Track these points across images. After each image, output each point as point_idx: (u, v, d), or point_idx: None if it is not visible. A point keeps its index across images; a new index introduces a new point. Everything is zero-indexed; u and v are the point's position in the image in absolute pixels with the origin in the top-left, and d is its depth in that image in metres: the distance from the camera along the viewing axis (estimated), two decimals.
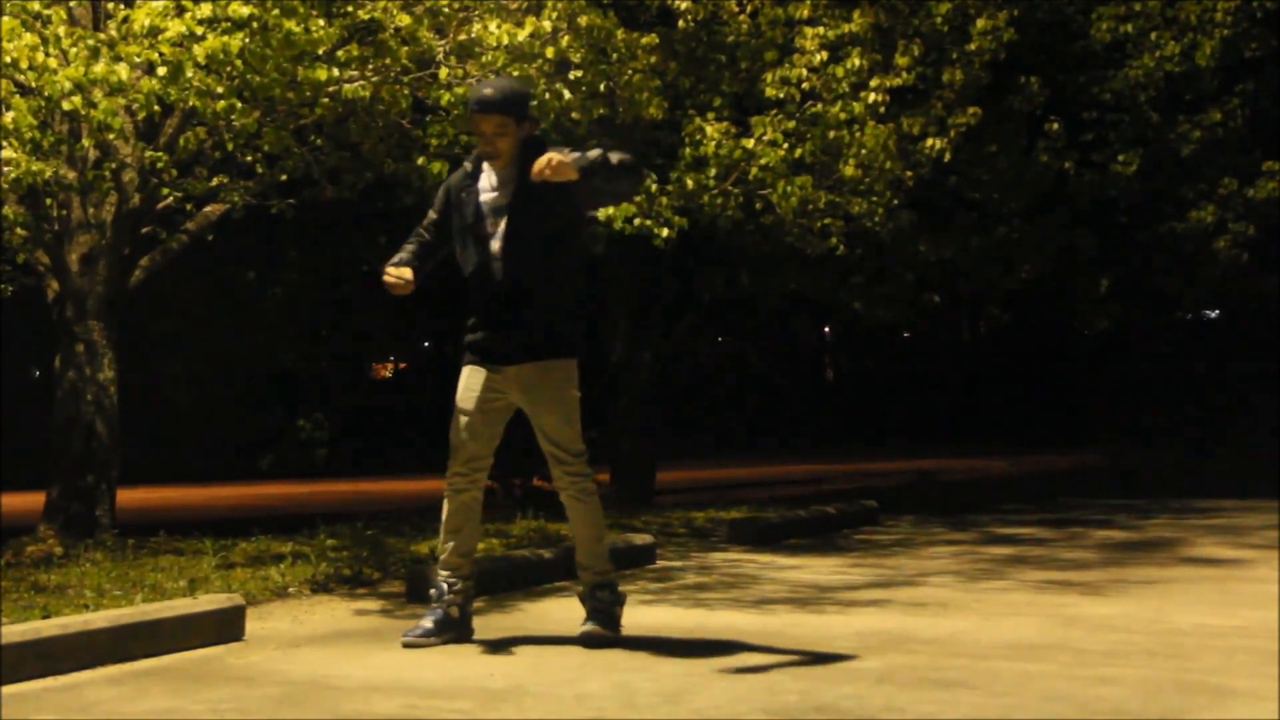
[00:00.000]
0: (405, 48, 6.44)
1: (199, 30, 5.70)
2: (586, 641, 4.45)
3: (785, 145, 7.77)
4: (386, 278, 4.57)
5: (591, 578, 4.58)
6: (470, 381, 4.57)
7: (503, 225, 4.50)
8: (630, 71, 7.06)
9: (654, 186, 7.67)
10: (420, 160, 7.20)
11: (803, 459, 23.28)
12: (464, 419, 4.56)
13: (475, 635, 4.59)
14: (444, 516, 4.60)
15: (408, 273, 4.57)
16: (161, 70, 5.70)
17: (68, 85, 5.44)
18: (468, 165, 4.68)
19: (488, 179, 4.59)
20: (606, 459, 11.59)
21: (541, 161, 4.25)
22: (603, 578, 4.58)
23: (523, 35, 6.36)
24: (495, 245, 4.49)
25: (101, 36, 5.68)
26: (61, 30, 5.63)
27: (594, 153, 4.36)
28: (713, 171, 7.77)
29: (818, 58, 7.97)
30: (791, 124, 7.88)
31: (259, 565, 6.09)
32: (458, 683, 3.85)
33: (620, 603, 4.61)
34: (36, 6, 5.69)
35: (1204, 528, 9.06)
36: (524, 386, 4.52)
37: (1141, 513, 10.47)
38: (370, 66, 6.51)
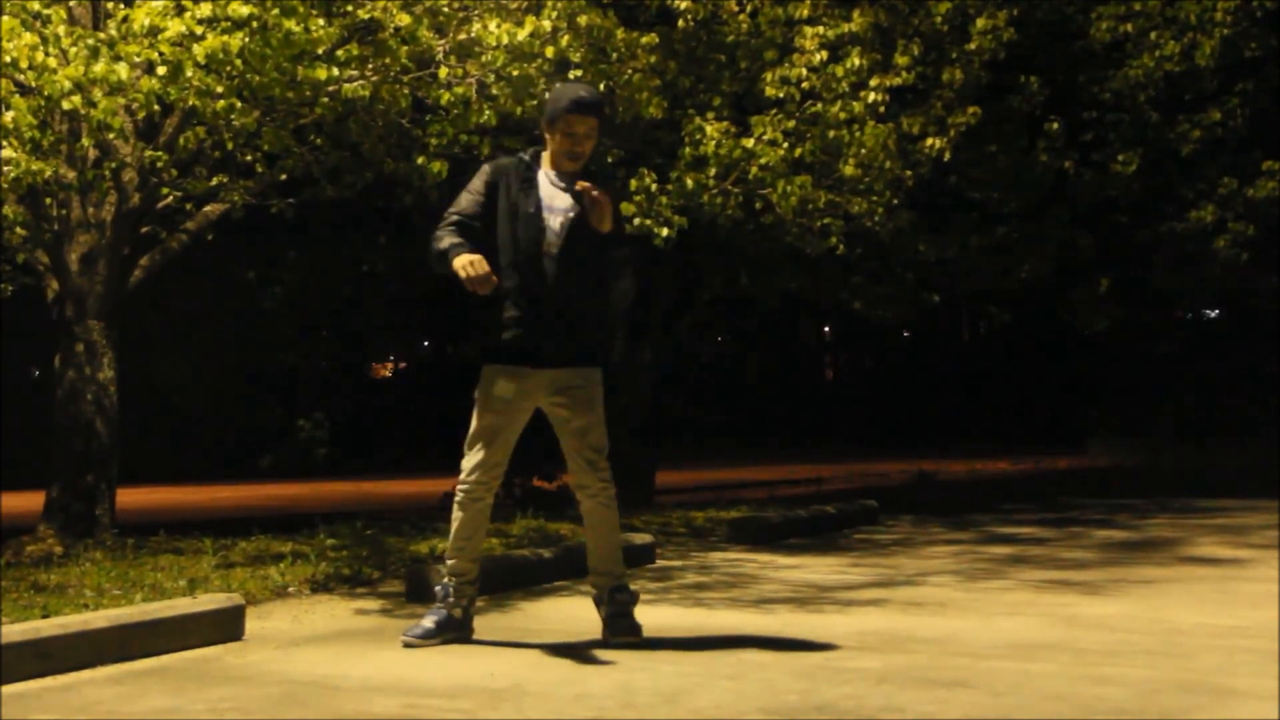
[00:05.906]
0: (405, 47, 6.44)
1: (199, 30, 5.70)
2: (620, 641, 4.45)
3: (785, 145, 7.77)
4: (469, 272, 4.19)
5: (609, 582, 4.56)
6: (500, 388, 4.47)
7: (565, 226, 4.43)
8: (630, 71, 7.07)
9: (654, 186, 7.67)
10: (420, 160, 7.20)
11: (803, 459, 23.27)
12: (491, 426, 4.47)
13: (475, 635, 4.59)
14: (457, 524, 4.53)
15: (487, 268, 4.24)
16: (161, 70, 5.70)
17: (67, 85, 5.44)
18: (525, 156, 4.58)
19: (547, 177, 4.50)
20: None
21: (597, 192, 4.31)
22: (619, 580, 4.58)
23: (523, 35, 6.36)
24: (554, 246, 4.43)
25: (101, 36, 5.67)
26: (61, 30, 5.63)
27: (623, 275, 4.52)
28: (712, 171, 7.76)
29: (817, 57, 7.97)
30: (791, 123, 7.88)
31: (259, 565, 6.09)
32: (458, 683, 3.85)
33: (635, 601, 4.61)
34: (36, 6, 5.68)
35: (1204, 527, 9.06)
36: (562, 390, 4.49)
37: (1141, 513, 10.46)
38: (370, 66, 6.51)
